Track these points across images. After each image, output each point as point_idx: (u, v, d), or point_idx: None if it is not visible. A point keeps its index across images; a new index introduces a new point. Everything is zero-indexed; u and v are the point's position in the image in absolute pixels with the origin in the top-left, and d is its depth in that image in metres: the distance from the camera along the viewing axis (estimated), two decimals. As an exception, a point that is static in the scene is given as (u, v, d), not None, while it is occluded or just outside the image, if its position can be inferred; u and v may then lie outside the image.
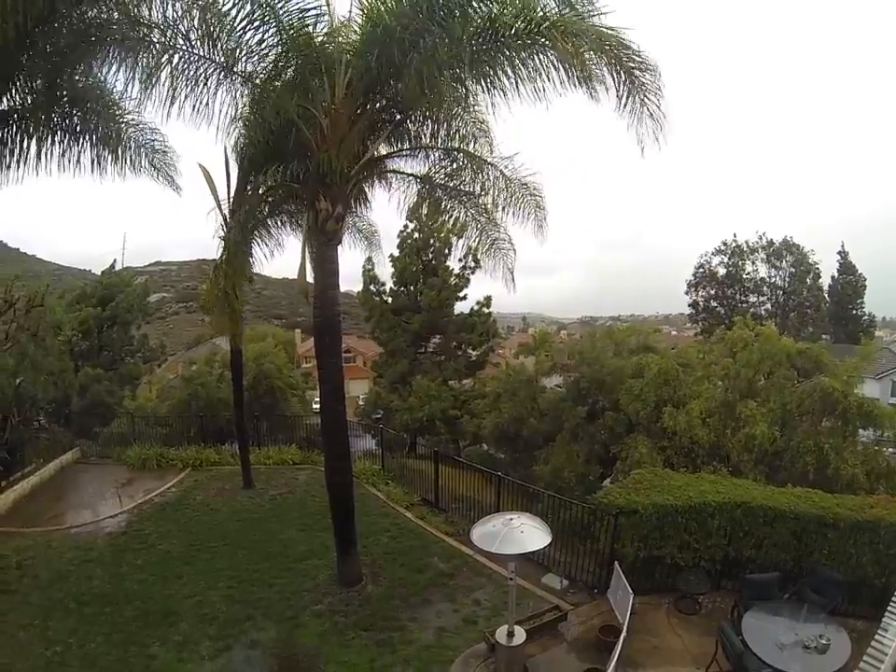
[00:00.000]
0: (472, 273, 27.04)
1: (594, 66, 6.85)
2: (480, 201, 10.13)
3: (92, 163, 8.87)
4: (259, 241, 13.28)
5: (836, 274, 45.30)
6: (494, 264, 10.60)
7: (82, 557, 10.31)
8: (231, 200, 12.26)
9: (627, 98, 7.00)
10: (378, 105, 8.46)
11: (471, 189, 10.00)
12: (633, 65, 6.84)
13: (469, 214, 10.34)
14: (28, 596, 8.97)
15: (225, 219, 12.34)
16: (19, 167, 8.32)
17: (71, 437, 16.66)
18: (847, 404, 12.36)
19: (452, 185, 10.15)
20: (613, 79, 6.95)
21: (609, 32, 6.70)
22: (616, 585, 8.33)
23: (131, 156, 9.35)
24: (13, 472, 12.77)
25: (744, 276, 42.95)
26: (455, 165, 9.86)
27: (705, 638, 7.57)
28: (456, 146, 9.59)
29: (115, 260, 28.84)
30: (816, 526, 8.05)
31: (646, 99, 6.97)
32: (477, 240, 10.54)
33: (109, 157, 8.96)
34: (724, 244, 43.57)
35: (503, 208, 9.87)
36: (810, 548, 8.12)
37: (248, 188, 12.16)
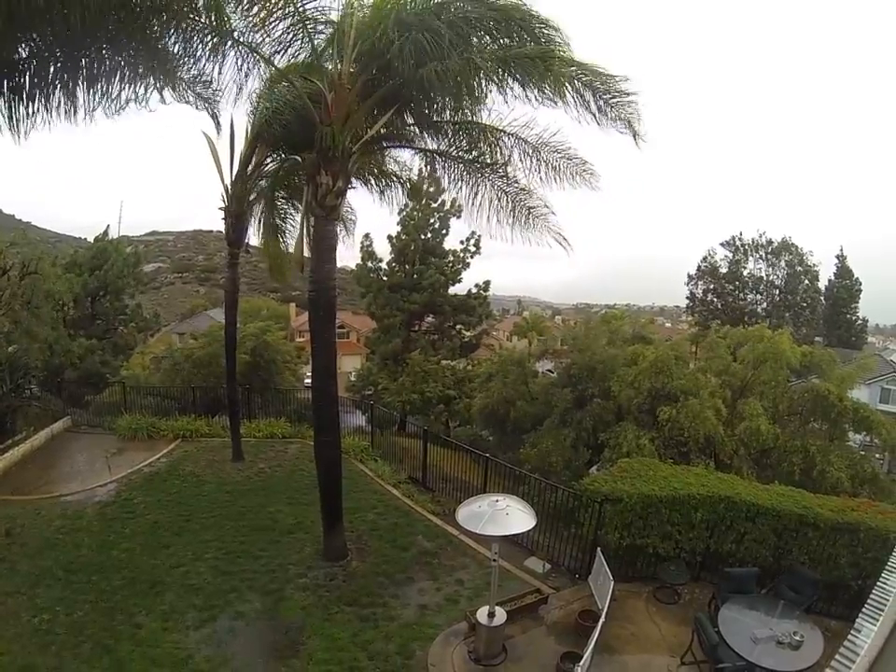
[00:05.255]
0: (472, 256, 27.09)
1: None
2: (507, 171, 9.84)
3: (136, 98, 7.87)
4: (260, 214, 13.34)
5: (833, 278, 45.35)
6: (534, 232, 10.23)
7: (71, 526, 10.34)
8: (234, 171, 12.20)
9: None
10: (386, 83, 8.34)
11: (493, 160, 9.75)
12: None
13: (495, 186, 10.08)
14: (16, 564, 9.01)
15: (226, 189, 12.31)
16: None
17: (62, 405, 16.56)
18: (841, 408, 12.44)
19: (470, 158, 9.95)
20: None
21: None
22: (597, 571, 8.44)
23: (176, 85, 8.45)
24: (3, 440, 12.73)
25: (744, 274, 42.91)
26: (470, 138, 9.63)
27: (681, 628, 7.72)
28: (470, 119, 9.33)
29: (108, 226, 28.34)
30: (797, 525, 8.15)
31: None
32: (511, 211, 10.14)
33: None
34: (732, 238, 43.49)
35: (540, 176, 9.52)
36: (790, 546, 8.22)
37: (253, 160, 12.09)
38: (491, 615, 7.16)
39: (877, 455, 13.70)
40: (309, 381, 10.40)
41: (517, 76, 7.72)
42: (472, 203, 10.25)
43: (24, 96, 7.20)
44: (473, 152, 9.88)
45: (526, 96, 8.00)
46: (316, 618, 7.94)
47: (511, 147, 9.36)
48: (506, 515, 6.70)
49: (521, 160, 9.41)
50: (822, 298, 44.28)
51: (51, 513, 10.78)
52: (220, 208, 12.60)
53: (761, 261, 42.79)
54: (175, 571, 9.01)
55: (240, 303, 14.74)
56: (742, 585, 7.75)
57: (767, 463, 13.05)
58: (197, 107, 9.32)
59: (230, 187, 12.34)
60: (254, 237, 13.48)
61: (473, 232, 25.96)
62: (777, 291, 42.17)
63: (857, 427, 12.89)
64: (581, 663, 6.34)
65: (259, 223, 13.01)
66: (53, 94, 7.32)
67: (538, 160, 9.31)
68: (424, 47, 7.29)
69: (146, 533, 10.23)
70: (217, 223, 13.03)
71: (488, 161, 9.81)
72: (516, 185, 10.02)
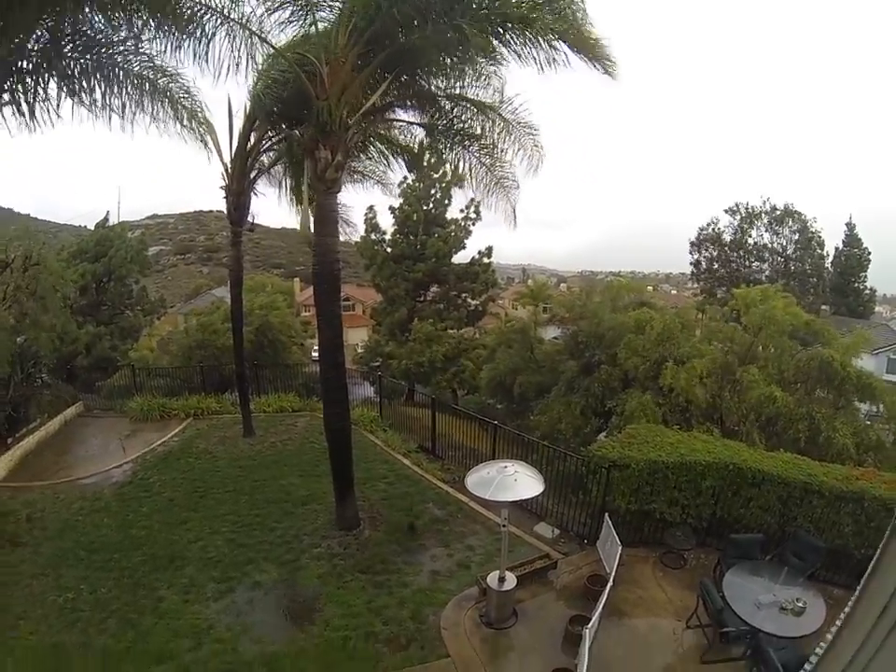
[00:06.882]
0: (474, 223, 27.06)
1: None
2: (485, 142, 10.31)
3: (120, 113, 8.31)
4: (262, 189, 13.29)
5: (841, 246, 44.49)
6: (498, 201, 11.06)
7: (89, 507, 10.52)
8: (234, 150, 12.13)
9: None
10: (381, 55, 8.27)
11: (474, 132, 10.23)
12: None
13: (474, 157, 10.57)
14: (39, 547, 9.18)
15: (226, 168, 12.26)
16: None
17: (74, 392, 16.67)
18: (845, 375, 12.42)
19: (455, 129, 10.27)
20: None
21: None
22: (605, 537, 8.55)
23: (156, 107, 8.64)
24: (19, 429, 12.79)
25: (748, 241, 42.30)
26: (456, 111, 10.00)
27: (687, 593, 7.83)
28: (458, 93, 9.64)
29: (108, 212, 28.66)
30: (802, 493, 8.13)
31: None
32: (484, 180, 10.81)
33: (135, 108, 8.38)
34: (736, 205, 42.78)
35: (503, 149, 10.21)
36: (795, 513, 8.22)
37: (251, 138, 11.98)
38: (501, 580, 7.31)
39: (885, 427, 13.58)
40: (316, 355, 10.48)
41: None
42: (461, 171, 10.99)
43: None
44: (459, 125, 10.21)
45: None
46: (332, 586, 8.14)
47: (494, 121, 9.81)
48: (514, 481, 6.76)
49: (496, 132, 9.98)
50: (829, 266, 43.69)
51: (70, 496, 10.93)
52: (221, 187, 12.56)
53: (764, 229, 42.12)
54: (193, 546, 9.20)
55: (244, 281, 14.77)
56: (747, 551, 7.80)
57: (773, 431, 13.05)
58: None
59: (229, 165, 12.27)
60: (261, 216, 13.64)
61: (472, 199, 25.92)
62: (782, 259, 41.60)
63: (860, 395, 12.84)
64: (589, 626, 6.42)
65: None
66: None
67: (509, 133, 9.87)
68: (411, 16, 7.39)
69: (163, 510, 10.42)
70: (217, 203, 13.01)
71: (470, 132, 10.22)
72: (491, 157, 10.53)
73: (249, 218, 13.30)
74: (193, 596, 7.94)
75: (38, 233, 18.19)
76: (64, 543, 9.29)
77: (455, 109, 10.00)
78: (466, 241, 27.34)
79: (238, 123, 11.88)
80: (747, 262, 42.35)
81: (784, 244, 41.64)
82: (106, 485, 11.50)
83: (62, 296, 15.93)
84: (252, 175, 12.79)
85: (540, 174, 10.29)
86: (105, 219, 28.36)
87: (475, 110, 9.79)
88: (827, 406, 12.75)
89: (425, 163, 22.40)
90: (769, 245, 41.91)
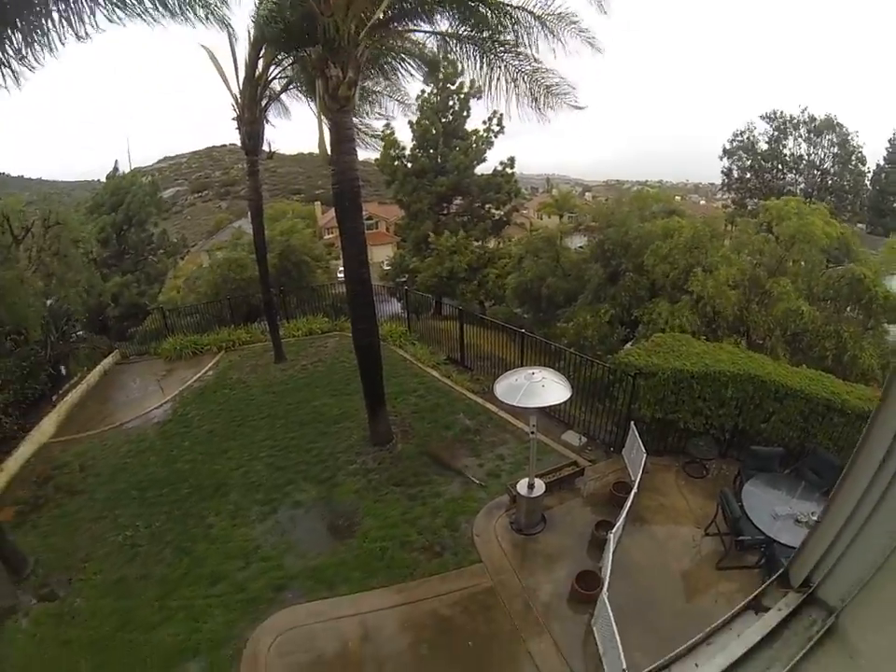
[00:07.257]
0: (496, 136, 26.22)
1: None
2: (522, 49, 9.34)
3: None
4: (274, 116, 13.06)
5: (882, 163, 41.41)
6: (554, 108, 9.95)
7: (136, 449, 10.92)
8: (241, 81, 11.84)
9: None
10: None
11: (505, 38, 9.27)
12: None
13: (511, 65, 9.61)
14: (94, 493, 9.56)
15: (236, 99, 12.01)
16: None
17: (108, 341, 16.95)
18: (873, 294, 12.10)
19: (482, 37, 9.38)
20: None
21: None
22: (631, 445, 8.70)
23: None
24: (61, 385, 13.10)
25: (783, 152, 39.97)
26: (477, 16, 9.00)
27: (707, 501, 8.01)
28: None
29: (116, 161, 28.58)
30: (824, 410, 8.11)
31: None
32: (531, 89, 9.76)
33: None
34: (773, 111, 40.08)
35: (550, 48, 8.98)
36: (815, 430, 8.25)
37: (259, 65, 11.65)
38: (531, 486, 7.51)
39: None
40: (342, 275, 10.47)
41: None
42: (490, 84, 9.83)
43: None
44: (485, 32, 9.24)
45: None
46: (368, 500, 8.51)
47: (527, 24, 8.78)
48: (542, 387, 6.76)
49: (533, 34, 8.86)
50: (868, 184, 40.90)
51: (117, 441, 11.30)
52: (233, 118, 12.34)
53: (801, 139, 39.51)
54: (235, 473, 9.62)
55: (265, 210, 14.66)
56: (766, 464, 7.91)
57: (799, 347, 12.84)
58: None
59: (238, 95, 12.00)
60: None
61: (495, 112, 24.89)
62: (819, 172, 39.23)
63: (889, 316, 12.58)
64: (613, 530, 6.69)
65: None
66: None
67: (550, 31, 8.70)
68: None
69: (204, 443, 10.82)
70: (229, 136, 12.79)
71: (500, 39, 9.24)
72: (532, 63, 9.48)
73: (265, 147, 13.09)
74: (240, 520, 8.38)
75: (52, 194, 18.19)
76: (117, 486, 9.69)
77: (478, 14, 8.98)
78: (487, 153, 26.56)
79: (242, 52, 11.57)
80: (781, 174, 40.16)
81: (822, 156, 39.19)
82: (149, 426, 11.87)
83: (83, 251, 16.02)
84: (263, 103, 12.49)
85: (605, 57, 9.06)
86: (115, 169, 28.18)
87: (500, 14, 8.76)
88: (856, 325, 12.50)
89: (441, 74, 21.14)
90: (806, 158, 39.51)
